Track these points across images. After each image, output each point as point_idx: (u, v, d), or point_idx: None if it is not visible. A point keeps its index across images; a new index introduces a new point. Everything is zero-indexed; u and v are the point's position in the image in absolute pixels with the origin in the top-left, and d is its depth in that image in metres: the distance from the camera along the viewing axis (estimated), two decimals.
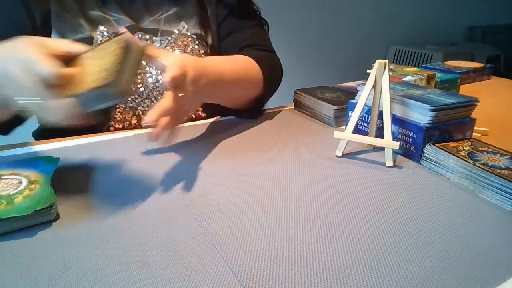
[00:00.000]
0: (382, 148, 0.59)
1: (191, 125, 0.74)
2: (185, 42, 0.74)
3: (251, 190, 0.50)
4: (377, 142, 0.58)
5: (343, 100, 0.77)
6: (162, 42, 0.73)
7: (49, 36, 0.66)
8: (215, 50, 0.79)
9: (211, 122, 0.75)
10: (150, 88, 0.72)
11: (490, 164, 0.51)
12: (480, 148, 0.57)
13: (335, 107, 0.73)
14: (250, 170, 0.55)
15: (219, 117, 0.78)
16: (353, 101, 0.69)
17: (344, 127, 0.72)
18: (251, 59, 0.71)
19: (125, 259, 0.37)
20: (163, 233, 0.41)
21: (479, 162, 0.52)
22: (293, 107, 0.85)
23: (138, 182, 0.52)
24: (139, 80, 0.71)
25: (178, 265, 0.37)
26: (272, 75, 0.76)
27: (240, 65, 0.70)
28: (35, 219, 0.42)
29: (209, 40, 0.78)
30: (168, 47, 0.73)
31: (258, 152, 0.62)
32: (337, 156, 0.61)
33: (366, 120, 0.66)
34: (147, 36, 0.73)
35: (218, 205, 0.47)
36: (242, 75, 0.69)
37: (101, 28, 0.69)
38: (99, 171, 0.54)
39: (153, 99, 0.73)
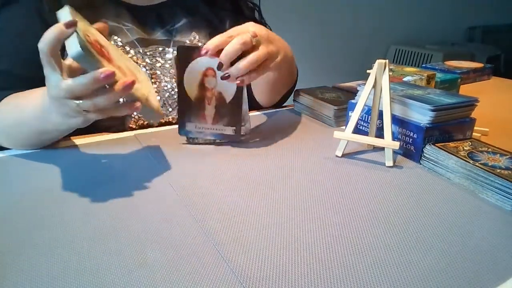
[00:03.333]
0: (382, 148, 0.59)
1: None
2: None
3: (251, 190, 0.50)
4: (377, 142, 0.58)
5: (343, 100, 0.77)
6: (174, 52, 0.74)
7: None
8: None
9: None
10: (166, 96, 0.73)
11: (490, 164, 0.51)
12: (480, 148, 0.57)
13: (335, 107, 0.73)
14: (250, 170, 0.55)
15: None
16: (353, 101, 0.69)
17: (344, 127, 0.72)
18: None
19: (124, 259, 0.37)
20: (163, 233, 0.41)
21: (479, 162, 0.52)
22: (293, 107, 0.85)
23: (138, 182, 0.52)
24: (155, 89, 0.72)
25: (178, 265, 0.37)
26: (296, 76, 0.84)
27: None
28: None
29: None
30: None
31: (258, 152, 0.62)
32: (337, 156, 0.61)
33: (366, 120, 0.66)
34: (160, 48, 0.73)
35: (218, 205, 0.47)
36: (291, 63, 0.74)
37: (115, 37, 0.69)
38: (99, 171, 0.54)
39: (168, 107, 0.74)
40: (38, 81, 0.64)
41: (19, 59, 0.64)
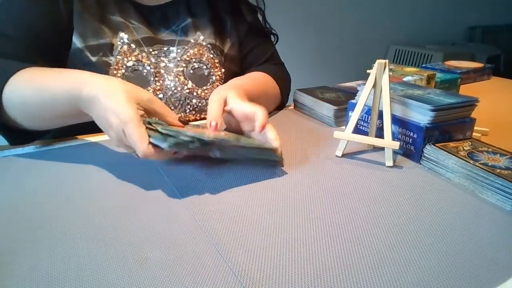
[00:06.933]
0: (382, 148, 0.59)
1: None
2: (200, 51, 0.76)
3: (250, 190, 0.50)
4: (377, 142, 0.58)
5: (343, 100, 0.77)
6: (178, 51, 0.74)
7: (71, 36, 0.67)
8: (230, 58, 0.81)
9: None
10: (169, 94, 0.73)
11: (490, 164, 0.51)
12: (480, 148, 0.57)
13: (335, 107, 0.73)
14: (250, 170, 0.55)
15: None
16: (353, 101, 0.69)
17: (344, 127, 0.72)
18: (269, 76, 0.80)
19: (125, 259, 0.37)
20: (163, 233, 0.41)
21: (479, 162, 0.52)
22: (293, 107, 0.85)
23: (138, 182, 0.52)
24: (158, 87, 0.72)
25: (178, 265, 0.37)
26: (285, 86, 0.86)
27: (263, 84, 0.78)
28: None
29: (225, 49, 0.81)
30: (184, 56, 0.74)
31: None
32: (337, 156, 0.61)
33: (366, 120, 0.66)
34: (165, 48, 0.74)
35: (218, 205, 0.47)
36: (267, 92, 0.77)
37: (121, 34, 0.69)
38: (99, 171, 0.54)
39: (171, 105, 0.74)
40: (48, 53, 0.65)
41: (29, 28, 0.64)
